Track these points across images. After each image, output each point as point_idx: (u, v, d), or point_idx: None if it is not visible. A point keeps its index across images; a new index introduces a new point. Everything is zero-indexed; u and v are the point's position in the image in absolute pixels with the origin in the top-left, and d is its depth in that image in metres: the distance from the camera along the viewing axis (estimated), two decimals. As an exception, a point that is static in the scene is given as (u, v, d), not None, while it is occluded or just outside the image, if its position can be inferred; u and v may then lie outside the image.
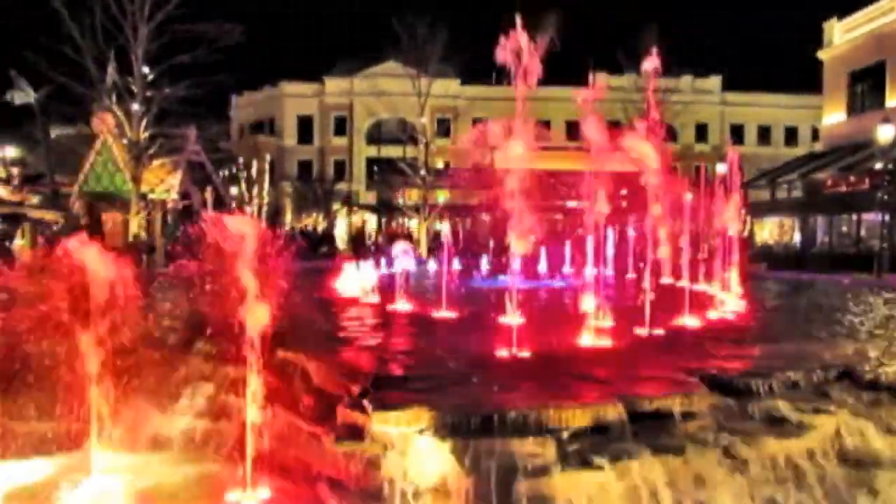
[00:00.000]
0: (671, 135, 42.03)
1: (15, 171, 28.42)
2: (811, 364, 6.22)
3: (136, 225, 24.50)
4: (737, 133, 49.63)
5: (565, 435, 4.78)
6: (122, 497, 5.15)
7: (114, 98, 23.37)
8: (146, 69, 23.58)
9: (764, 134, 50.21)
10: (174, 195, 27.97)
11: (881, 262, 20.13)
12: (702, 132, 48.66)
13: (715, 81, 49.28)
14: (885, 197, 20.98)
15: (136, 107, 23.76)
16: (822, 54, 31.40)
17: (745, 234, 32.28)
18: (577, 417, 4.89)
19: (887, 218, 21.72)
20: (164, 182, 27.51)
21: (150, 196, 26.64)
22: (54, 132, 32.66)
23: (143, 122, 24.00)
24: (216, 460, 5.67)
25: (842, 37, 30.34)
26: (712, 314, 9.58)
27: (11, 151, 29.23)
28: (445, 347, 7.31)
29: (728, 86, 49.53)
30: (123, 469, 5.55)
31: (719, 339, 7.79)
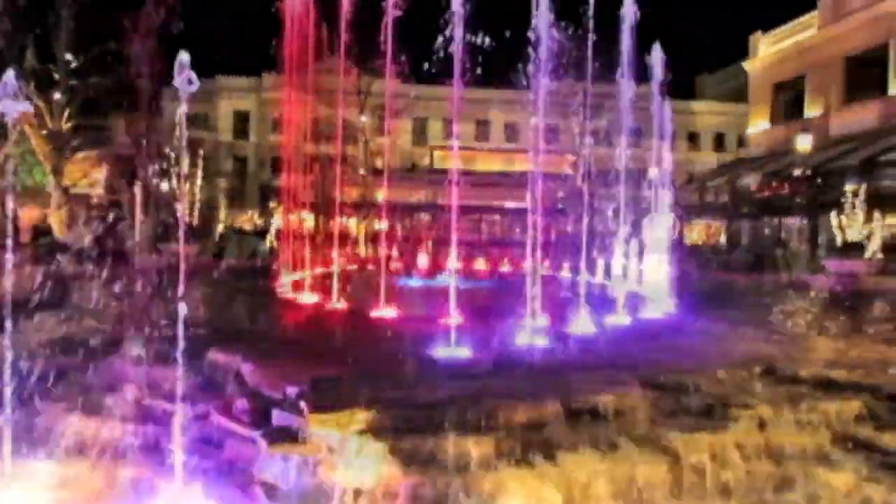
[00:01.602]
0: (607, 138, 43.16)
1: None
2: (736, 361, 6.50)
3: (56, 220, 23.39)
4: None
5: (503, 432, 4.82)
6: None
7: (32, 85, 22.22)
8: (69, 56, 22.52)
9: (693, 140, 52.16)
10: (99, 189, 26.85)
11: (794, 263, 21.22)
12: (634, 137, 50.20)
13: (647, 88, 50.95)
14: (804, 202, 22.15)
15: (58, 96, 22.68)
16: (747, 65, 32.83)
17: (676, 235, 33.39)
18: (515, 415, 4.94)
19: (805, 222, 22.94)
20: (89, 175, 26.37)
21: (73, 190, 25.48)
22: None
23: (66, 112, 22.91)
24: (144, 465, 5.46)
25: (766, 49, 31.80)
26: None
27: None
28: (383, 347, 7.26)
29: (660, 93, 51.34)
30: (43, 476, 5.28)
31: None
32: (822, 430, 5.56)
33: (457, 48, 7.44)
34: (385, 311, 9.49)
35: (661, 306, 10.62)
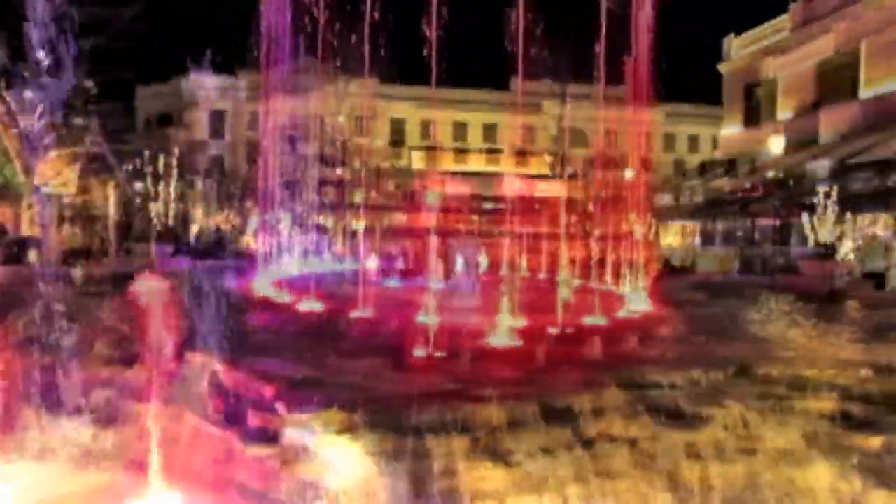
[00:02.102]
0: (583, 140, 43.53)
1: None
2: (711, 361, 6.58)
3: (27, 220, 22.97)
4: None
5: (481, 432, 4.82)
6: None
7: (2, 84, 21.82)
8: (41, 54, 22.10)
9: (668, 141, 52.74)
10: (72, 189, 26.35)
11: (772, 265, 21.62)
12: (612, 138, 50.64)
13: (623, 90, 51.46)
14: (777, 203, 22.53)
15: (29, 94, 22.26)
16: (721, 68, 33.31)
17: (651, 237, 33.77)
18: (492, 415, 4.95)
19: (778, 223, 23.33)
20: (62, 175, 25.86)
21: (45, 189, 24.99)
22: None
23: (38, 110, 22.49)
24: (118, 468, 5.37)
25: (739, 52, 32.30)
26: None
27: None
28: (360, 347, 7.22)
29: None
30: (13, 479, 5.18)
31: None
32: (795, 429, 5.65)
33: (433, 49, 7.43)
34: (362, 312, 9.44)
35: (639, 305, 10.71)
